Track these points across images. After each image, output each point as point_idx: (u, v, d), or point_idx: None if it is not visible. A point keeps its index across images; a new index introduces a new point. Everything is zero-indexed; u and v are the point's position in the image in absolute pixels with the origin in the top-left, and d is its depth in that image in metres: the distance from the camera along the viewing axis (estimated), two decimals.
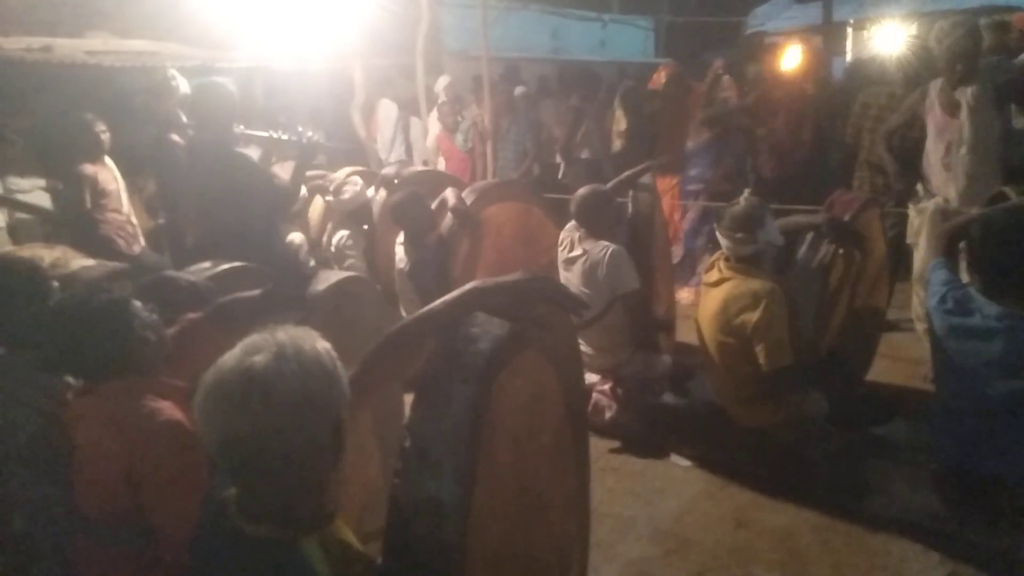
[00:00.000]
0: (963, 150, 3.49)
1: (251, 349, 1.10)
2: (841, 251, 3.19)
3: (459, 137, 6.41)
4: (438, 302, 1.38)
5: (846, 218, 3.18)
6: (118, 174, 4.45)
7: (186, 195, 3.70)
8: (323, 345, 1.15)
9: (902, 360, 3.97)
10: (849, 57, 11.36)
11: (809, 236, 3.26)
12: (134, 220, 4.53)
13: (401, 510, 1.21)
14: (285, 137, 3.71)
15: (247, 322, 1.19)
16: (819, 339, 3.18)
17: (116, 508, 1.63)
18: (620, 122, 6.17)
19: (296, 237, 4.89)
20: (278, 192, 3.56)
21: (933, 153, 3.68)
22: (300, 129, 3.61)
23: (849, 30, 12.43)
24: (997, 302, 2.31)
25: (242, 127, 3.66)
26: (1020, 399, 2.28)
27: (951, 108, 3.58)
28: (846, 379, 3.29)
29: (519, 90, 6.74)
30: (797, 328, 3.15)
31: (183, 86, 4.30)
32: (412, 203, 3.91)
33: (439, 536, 1.19)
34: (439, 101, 6.41)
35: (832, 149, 5.60)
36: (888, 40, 8.43)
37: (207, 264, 2.46)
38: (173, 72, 4.43)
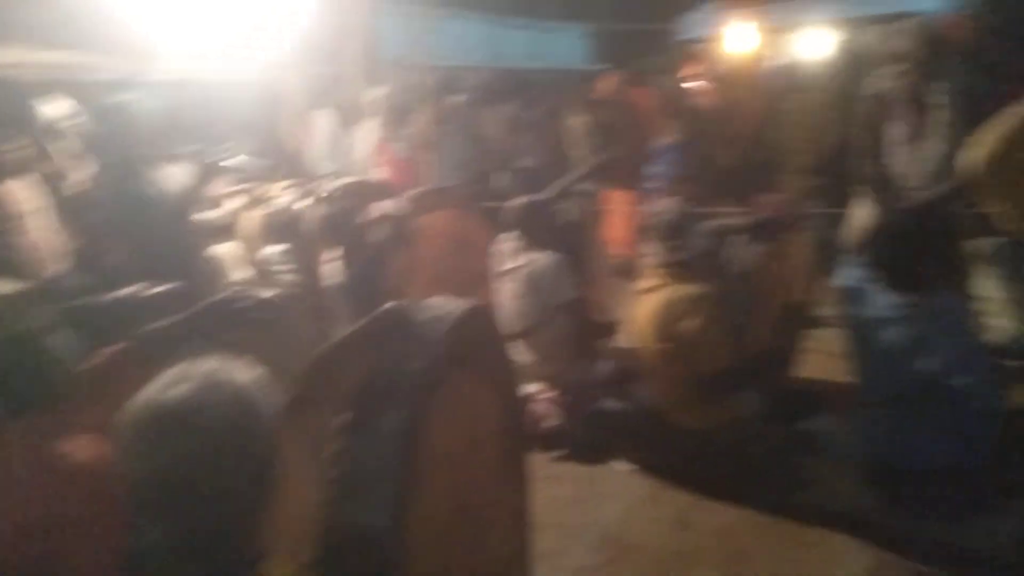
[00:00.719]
0: (938, 145, 3.55)
1: (171, 381, 1.06)
2: (768, 251, 3.29)
3: (396, 146, 6.35)
4: (363, 321, 1.36)
5: (772, 219, 3.28)
6: (40, 192, 4.23)
7: (97, 219, 3.56)
8: (250, 374, 1.12)
9: (830, 355, 4.09)
10: (776, 61, 11.69)
11: (737, 238, 3.35)
12: (56, 241, 4.32)
13: (331, 541, 1.18)
14: (197, 150, 3.63)
15: (172, 350, 1.15)
16: (751, 338, 3.26)
17: (23, 557, 1.53)
18: (574, 131, 6.20)
19: (225, 249, 4.75)
20: (181, 207, 3.49)
21: (900, 152, 3.68)
22: (220, 146, 3.54)
23: (776, 35, 12.80)
24: (897, 293, 2.51)
25: (159, 145, 3.56)
26: (925, 384, 2.42)
27: (921, 106, 3.69)
28: (778, 377, 3.38)
29: (458, 98, 6.72)
30: (730, 329, 3.23)
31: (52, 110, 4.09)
32: (344, 215, 3.86)
33: (373, 566, 1.17)
34: (378, 110, 6.34)
35: (766, 152, 5.77)
36: (812, 45, 8.73)
37: (140, 285, 2.35)
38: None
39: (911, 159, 3.64)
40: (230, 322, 1.91)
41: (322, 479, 1.30)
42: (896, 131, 3.67)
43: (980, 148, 1.69)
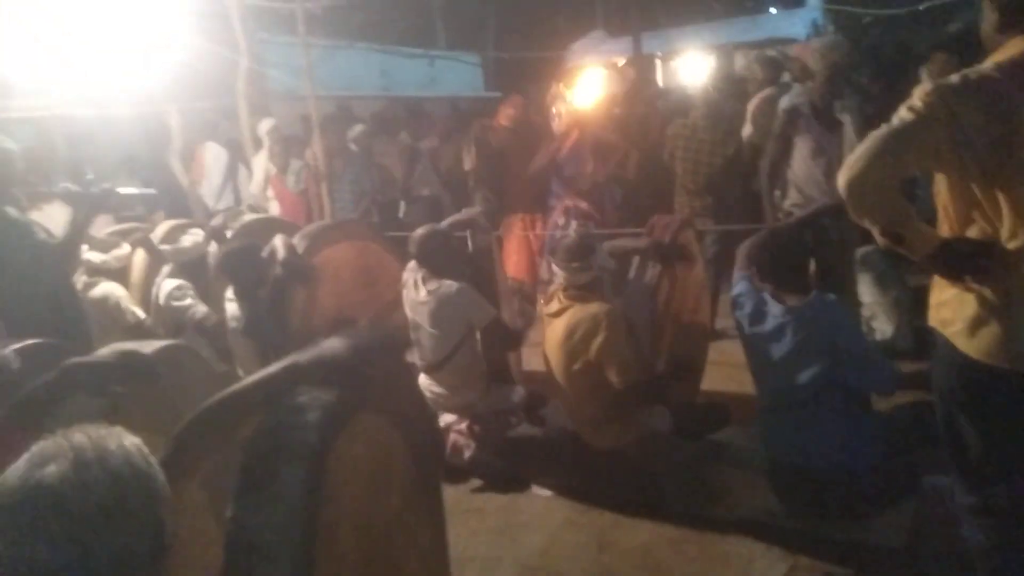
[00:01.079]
0: (833, 161, 3.69)
1: (39, 459, 0.94)
2: (666, 270, 3.39)
3: (290, 178, 6.17)
4: (253, 377, 1.28)
5: (666, 239, 3.38)
6: None
7: None
8: (131, 441, 1.01)
9: (733, 366, 4.25)
10: (660, 83, 12.26)
11: (636, 259, 3.44)
12: None
13: None
14: (75, 188, 3.34)
15: (47, 415, 1.03)
16: (655, 355, 3.34)
17: None
18: (467, 160, 6.21)
19: (115, 289, 4.45)
20: (51, 253, 3.22)
21: (810, 168, 3.87)
22: (89, 177, 3.29)
23: (658, 62, 13.46)
24: (780, 302, 2.67)
25: (28, 185, 3.29)
26: (819, 386, 2.54)
27: (830, 124, 3.85)
28: (684, 391, 3.47)
29: (357, 128, 6.61)
30: (635, 346, 3.30)
31: None
32: (241, 254, 3.70)
33: None
34: (266, 143, 6.16)
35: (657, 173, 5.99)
36: (691, 70, 9.21)
37: None
38: None
39: (812, 173, 3.88)
40: (112, 380, 1.77)
41: (221, 545, 1.20)
42: (803, 147, 3.90)
43: (844, 170, 1.81)
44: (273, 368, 1.29)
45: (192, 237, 4.49)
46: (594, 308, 3.04)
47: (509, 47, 14.83)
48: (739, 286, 2.85)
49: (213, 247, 4.42)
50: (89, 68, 5.07)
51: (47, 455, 0.95)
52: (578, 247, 3.10)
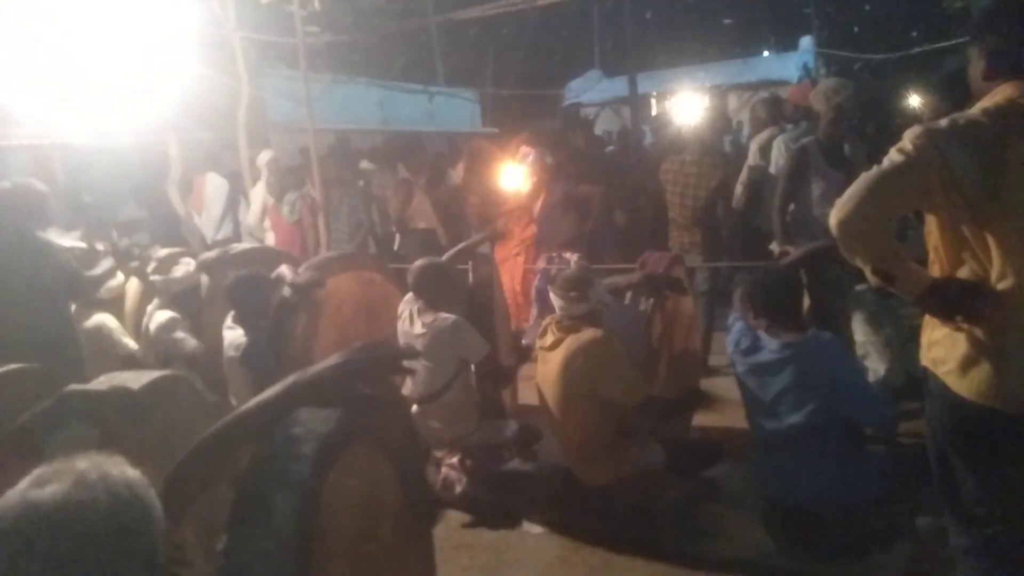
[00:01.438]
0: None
1: (39, 481, 0.95)
2: (658, 305, 3.41)
3: (285, 209, 6.21)
4: (251, 403, 1.28)
5: (659, 271, 3.41)
6: None
7: None
8: (133, 473, 1.02)
9: (725, 402, 4.25)
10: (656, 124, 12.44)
11: (628, 294, 3.45)
12: None
13: None
14: (100, 247, 3.50)
15: (43, 442, 1.03)
16: (648, 390, 3.33)
17: None
18: (457, 174, 6.29)
19: (107, 320, 4.44)
20: (75, 284, 3.31)
21: (816, 207, 3.92)
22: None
23: (653, 100, 13.68)
24: (777, 337, 2.67)
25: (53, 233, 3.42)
26: (815, 423, 2.54)
27: (838, 163, 3.90)
28: (677, 427, 3.46)
29: (364, 164, 6.67)
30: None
31: None
32: (247, 283, 3.70)
33: None
34: (264, 174, 6.21)
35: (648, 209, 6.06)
36: (685, 109, 9.38)
37: None
38: None
39: (822, 212, 3.92)
40: (106, 410, 1.76)
41: (210, 568, 1.19)
42: (813, 186, 3.96)
43: (836, 210, 1.85)
44: (273, 390, 1.29)
45: (183, 267, 4.50)
46: (587, 333, 3.06)
47: (507, 84, 15.07)
48: (735, 326, 2.87)
49: (205, 279, 4.42)
50: (89, 98, 5.12)
51: (47, 477, 0.96)
52: (576, 278, 3.13)
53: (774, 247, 3.59)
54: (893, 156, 1.83)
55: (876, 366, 4.37)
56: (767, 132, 5.16)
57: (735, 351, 2.79)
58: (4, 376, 2.18)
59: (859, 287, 4.37)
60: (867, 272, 1.90)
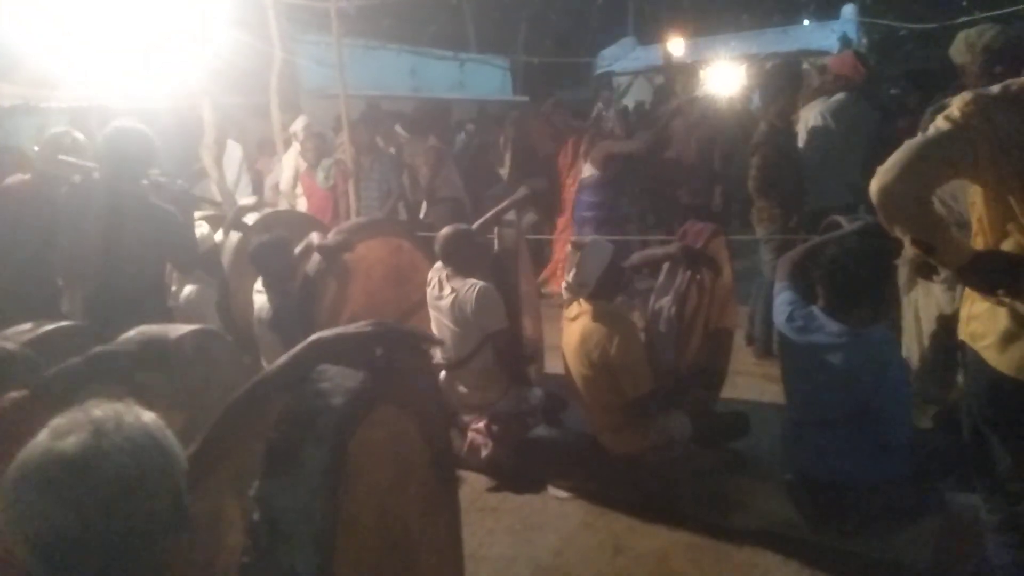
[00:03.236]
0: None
1: (60, 431, 0.97)
2: (696, 277, 3.36)
3: (320, 174, 6.24)
4: (282, 358, 1.30)
5: (698, 246, 3.36)
6: None
7: (71, 246, 3.24)
8: (148, 416, 1.05)
9: (753, 375, 4.23)
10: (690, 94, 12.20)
11: (666, 266, 3.41)
12: None
13: None
14: (163, 180, 3.43)
15: (80, 394, 1.06)
16: (679, 363, 3.31)
17: None
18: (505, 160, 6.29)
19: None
20: (187, 249, 3.33)
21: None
22: (156, 172, 3.35)
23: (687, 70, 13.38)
24: (838, 320, 2.53)
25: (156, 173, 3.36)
26: (859, 409, 2.49)
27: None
28: (705, 399, 3.44)
29: (382, 127, 6.66)
30: (657, 354, 3.28)
31: None
32: (275, 246, 3.74)
33: None
34: (300, 139, 6.23)
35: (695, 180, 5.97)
36: (720, 79, 9.16)
37: (27, 326, 2.18)
38: None
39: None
40: (138, 364, 1.80)
41: (245, 524, 1.22)
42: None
43: (877, 177, 1.80)
44: (300, 347, 1.32)
45: (199, 230, 4.54)
46: (606, 315, 3.04)
47: (539, 52, 14.89)
48: (784, 295, 2.73)
49: (232, 237, 4.47)
50: (125, 61, 5.16)
51: (66, 428, 0.98)
52: (606, 251, 3.11)
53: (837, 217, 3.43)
54: (939, 124, 1.78)
55: (910, 344, 4.29)
56: (840, 97, 4.90)
57: (786, 324, 2.66)
58: (53, 333, 2.23)
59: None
60: (906, 242, 1.85)
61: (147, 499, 0.98)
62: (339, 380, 1.27)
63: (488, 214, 4.04)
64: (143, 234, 3.11)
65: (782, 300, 2.73)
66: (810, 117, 4.68)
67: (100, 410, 1.00)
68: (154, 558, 1.00)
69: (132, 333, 2.02)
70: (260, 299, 3.76)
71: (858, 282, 2.52)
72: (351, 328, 1.38)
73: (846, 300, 2.55)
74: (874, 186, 1.79)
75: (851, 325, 2.51)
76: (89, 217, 3.10)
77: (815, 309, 2.61)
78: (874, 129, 4.61)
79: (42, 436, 0.97)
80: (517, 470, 3.38)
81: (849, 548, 2.57)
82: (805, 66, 6.91)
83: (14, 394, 1.64)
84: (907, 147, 1.77)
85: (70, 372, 1.70)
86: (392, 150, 6.60)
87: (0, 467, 1.51)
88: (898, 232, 1.84)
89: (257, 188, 6.62)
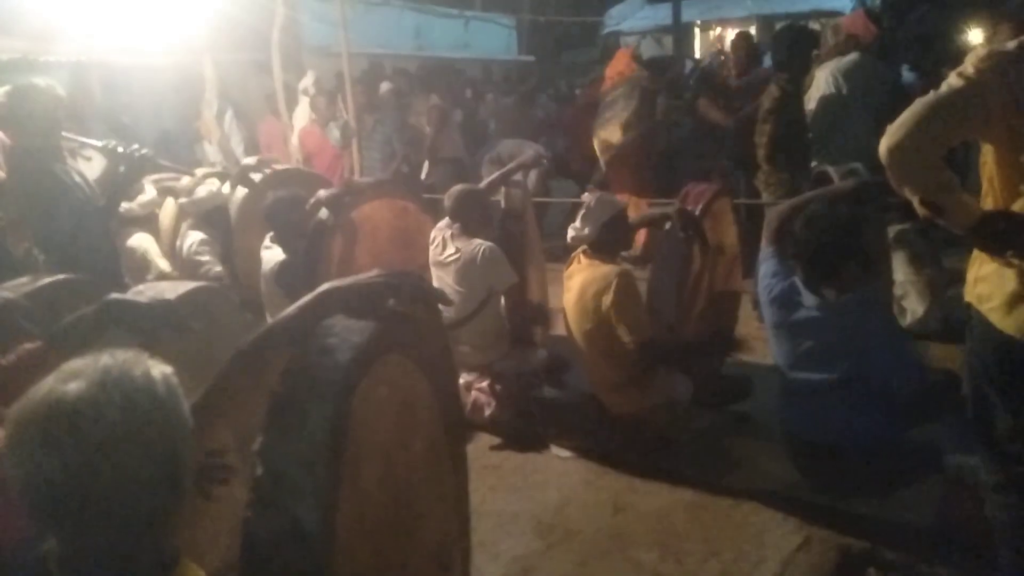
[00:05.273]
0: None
1: (66, 376, 0.95)
2: (697, 238, 3.34)
3: (334, 132, 6.18)
4: (289, 309, 1.30)
5: (698, 209, 3.33)
6: None
7: (7, 207, 3.28)
8: (159, 370, 1.02)
9: (755, 338, 4.23)
10: (697, 55, 12.01)
11: (668, 226, 3.39)
12: None
13: (257, 541, 1.12)
14: (120, 149, 3.34)
15: (91, 345, 1.05)
16: (682, 325, 3.31)
17: None
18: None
19: (143, 241, 4.52)
20: (93, 213, 3.23)
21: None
22: (135, 147, 3.27)
23: (696, 31, 13.16)
24: (815, 293, 2.52)
25: (71, 135, 3.29)
26: (844, 380, 2.48)
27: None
28: (708, 361, 3.45)
29: (385, 86, 6.59)
30: (658, 313, 3.27)
31: None
32: (289, 202, 3.73)
33: (301, 567, 1.10)
34: (309, 96, 6.16)
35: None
36: (730, 40, 9.00)
37: (24, 279, 2.18)
38: None
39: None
40: (144, 316, 1.80)
41: (249, 477, 1.23)
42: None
43: (887, 135, 1.76)
44: (307, 298, 1.31)
45: (207, 187, 4.53)
46: (604, 268, 3.04)
47: (545, 11, 14.60)
48: (768, 264, 2.70)
49: (239, 194, 4.45)
50: (127, 15, 5.08)
51: (72, 373, 0.96)
52: (607, 209, 3.09)
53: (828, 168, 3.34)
54: (952, 81, 1.74)
55: (914, 307, 4.29)
56: (843, 58, 4.80)
57: (766, 300, 2.64)
58: (51, 286, 2.24)
59: (901, 226, 4.24)
60: (915, 203, 1.83)
61: (141, 456, 0.95)
62: (345, 335, 1.27)
63: (495, 174, 4.01)
64: (52, 194, 3.03)
65: (765, 271, 2.70)
66: (821, 79, 4.61)
67: (110, 358, 0.98)
68: (147, 516, 0.98)
69: (140, 288, 2.02)
70: (268, 255, 3.76)
71: (828, 256, 2.48)
72: (363, 278, 1.36)
73: (819, 274, 2.52)
74: (883, 145, 1.76)
75: (826, 297, 2.50)
76: (17, 181, 3.07)
77: (796, 280, 2.58)
78: (887, 91, 4.53)
79: (49, 378, 0.96)
80: (520, 429, 3.41)
81: (845, 507, 2.59)
82: (817, 27, 6.78)
83: (29, 345, 1.64)
84: (918, 105, 1.74)
85: (85, 321, 1.69)
86: (396, 112, 6.53)
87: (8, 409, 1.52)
88: (907, 192, 1.81)
89: (251, 147, 6.56)
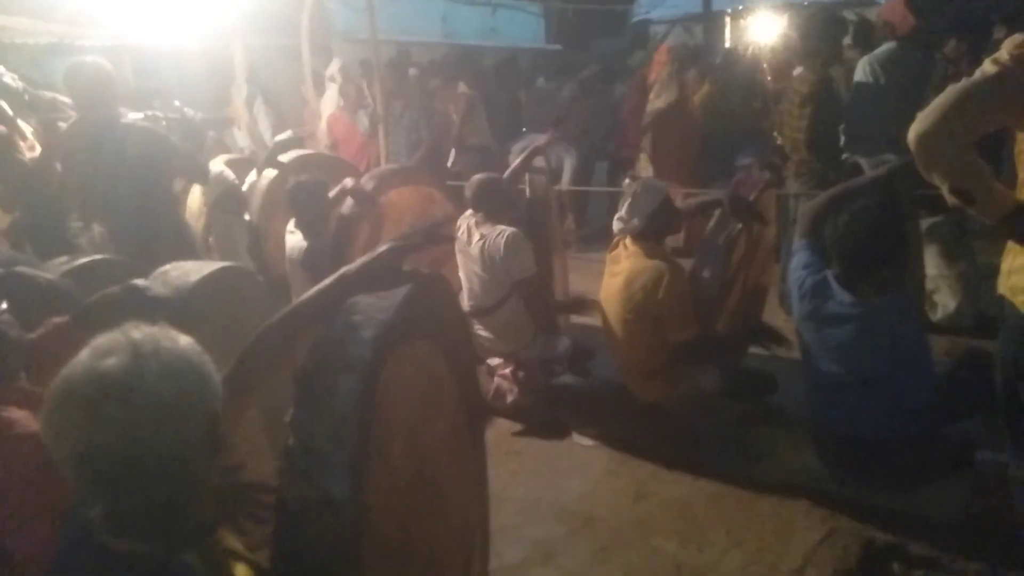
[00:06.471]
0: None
1: (102, 351, 0.99)
2: (745, 229, 3.29)
3: (364, 120, 6.21)
4: (311, 290, 1.33)
5: (752, 195, 3.29)
6: None
7: (76, 180, 3.37)
8: (185, 340, 1.06)
9: (786, 331, 4.17)
10: (728, 44, 11.85)
11: (716, 214, 3.34)
12: None
13: (288, 511, 1.14)
14: (163, 117, 3.47)
15: (116, 323, 1.09)
16: (718, 316, 3.28)
17: None
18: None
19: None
20: (187, 165, 3.40)
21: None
22: (178, 104, 3.38)
23: (727, 19, 12.96)
24: (850, 289, 2.45)
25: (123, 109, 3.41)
26: (874, 375, 2.44)
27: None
28: (736, 355, 3.42)
29: (412, 72, 6.59)
30: (701, 303, 3.24)
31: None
32: (311, 188, 3.76)
33: (332, 534, 1.12)
34: (336, 83, 6.19)
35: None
36: (761, 29, 8.86)
37: (63, 259, 2.24)
38: None
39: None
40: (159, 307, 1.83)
41: (277, 449, 1.25)
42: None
43: (917, 123, 1.73)
44: (329, 279, 1.34)
45: (214, 172, 4.57)
46: (654, 261, 3.00)
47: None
48: (801, 255, 2.63)
49: (265, 178, 4.49)
50: (160, 0, 5.14)
51: (108, 348, 1.00)
52: (651, 198, 3.05)
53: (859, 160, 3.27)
54: (986, 67, 1.70)
55: (946, 301, 4.21)
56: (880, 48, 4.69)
57: (796, 294, 2.58)
58: (89, 266, 2.29)
59: (933, 219, 4.16)
60: (945, 191, 1.79)
61: (184, 421, 1.00)
62: (370, 312, 1.28)
63: (515, 162, 4.01)
64: (140, 154, 3.21)
65: (797, 263, 2.64)
66: (856, 67, 4.52)
67: (139, 332, 1.02)
68: (190, 480, 1.02)
69: (167, 267, 2.06)
70: (292, 239, 3.80)
71: (869, 255, 2.42)
72: (371, 254, 1.41)
73: (857, 271, 2.45)
74: (912, 132, 1.73)
75: (863, 296, 2.44)
76: (86, 154, 3.21)
77: (828, 275, 2.52)
78: (923, 81, 4.43)
79: (84, 355, 0.99)
80: (542, 416, 3.42)
81: (874, 502, 2.57)
82: (852, 16, 6.65)
83: (56, 319, 1.69)
84: (950, 91, 1.70)
85: (109, 300, 1.74)
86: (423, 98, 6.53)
87: (37, 383, 1.57)
88: (936, 180, 1.78)
89: (279, 132, 6.63)
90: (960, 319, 4.13)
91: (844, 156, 4.25)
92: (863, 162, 3.15)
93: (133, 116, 3.60)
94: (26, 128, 3.85)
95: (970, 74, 1.74)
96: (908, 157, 1.88)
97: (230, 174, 4.57)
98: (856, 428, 2.52)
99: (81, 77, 3.22)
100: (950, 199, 1.79)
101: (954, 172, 1.73)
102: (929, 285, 4.22)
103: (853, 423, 2.52)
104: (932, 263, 4.23)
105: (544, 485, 2.95)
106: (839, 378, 2.53)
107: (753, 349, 3.72)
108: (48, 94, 3.89)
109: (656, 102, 5.99)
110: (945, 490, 2.50)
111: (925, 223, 4.13)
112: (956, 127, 1.68)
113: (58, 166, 3.41)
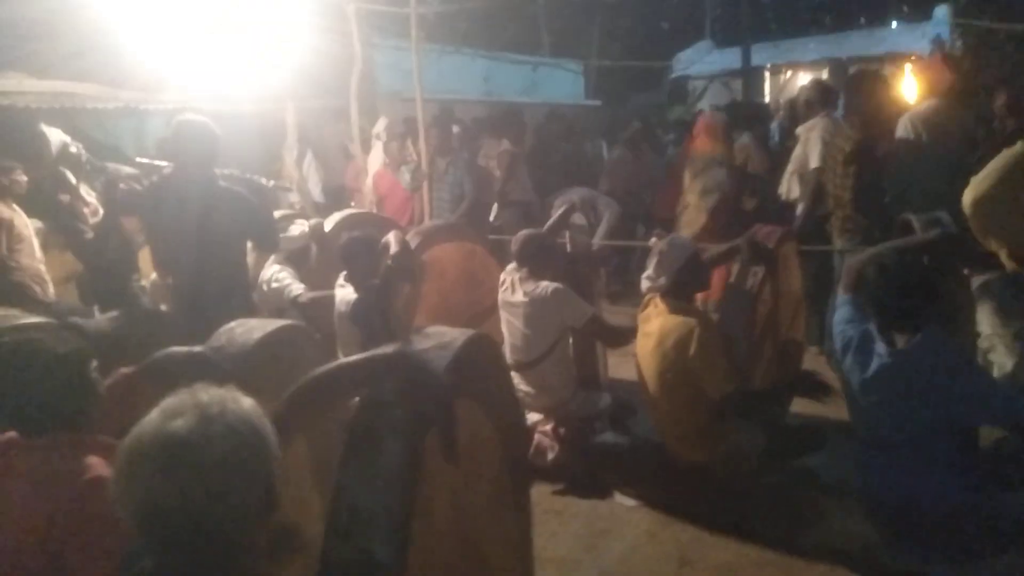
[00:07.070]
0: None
1: (171, 412, 1.05)
2: (768, 277, 3.28)
3: (406, 176, 6.38)
4: (360, 355, 1.37)
5: (772, 242, 3.29)
6: (28, 220, 4.26)
7: (161, 238, 3.48)
8: (248, 403, 1.11)
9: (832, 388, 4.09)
10: (768, 99, 11.92)
11: (738, 264, 3.34)
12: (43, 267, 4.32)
13: (332, 571, 1.15)
14: (268, 183, 3.62)
15: (180, 378, 1.14)
16: (753, 372, 3.24)
17: (29, 571, 1.50)
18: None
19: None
20: (264, 235, 3.52)
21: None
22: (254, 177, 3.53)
23: (767, 74, 13.06)
24: (887, 341, 2.42)
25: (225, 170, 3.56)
26: (924, 433, 2.36)
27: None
28: (775, 412, 3.36)
29: (455, 129, 6.78)
30: (733, 355, 3.21)
31: (55, 138, 4.18)
32: (360, 244, 3.86)
33: None
34: (382, 140, 6.39)
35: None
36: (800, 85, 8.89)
37: (114, 313, 2.33)
38: (41, 128, 4.30)
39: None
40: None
41: (324, 509, 1.28)
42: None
43: (971, 187, 1.72)
44: (366, 355, 1.38)
45: (299, 227, 4.72)
46: (684, 316, 3.00)
47: (612, 55, 14.80)
48: (843, 310, 2.61)
49: (326, 237, 4.62)
50: (220, 66, 5.42)
51: (176, 410, 1.05)
52: (683, 254, 3.08)
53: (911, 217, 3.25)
54: None
55: (1003, 360, 4.05)
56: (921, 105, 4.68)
57: (840, 351, 2.54)
58: (139, 320, 2.38)
59: (986, 276, 4.06)
60: (1002, 256, 1.77)
61: (244, 483, 1.04)
62: (421, 376, 1.31)
63: (553, 218, 4.08)
64: (224, 218, 3.29)
65: (840, 317, 2.61)
66: (898, 125, 4.51)
67: (206, 395, 1.07)
68: (246, 540, 1.06)
69: (233, 324, 2.12)
70: (341, 293, 3.89)
71: (901, 303, 2.40)
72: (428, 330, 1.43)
73: (890, 320, 2.44)
74: (967, 196, 1.73)
75: (896, 344, 2.40)
76: (175, 209, 3.28)
77: (871, 328, 2.49)
78: (967, 138, 4.40)
79: (154, 414, 1.05)
80: (583, 475, 3.38)
81: (928, 573, 2.45)
82: (894, 70, 6.66)
83: (125, 369, 1.77)
84: (1005, 155, 1.70)
85: (175, 359, 1.81)
86: (466, 154, 6.70)
87: (106, 429, 1.63)
88: (993, 245, 1.76)
89: (328, 190, 6.83)
90: (1018, 379, 3.98)
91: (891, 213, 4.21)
92: (914, 219, 3.10)
93: (228, 172, 3.71)
94: (88, 195, 4.05)
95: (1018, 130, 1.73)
96: (961, 224, 1.86)
97: (309, 235, 4.71)
98: (907, 492, 2.43)
99: (188, 133, 3.33)
100: (1008, 263, 1.77)
101: (1012, 236, 1.71)
102: (984, 344, 4.09)
103: (905, 487, 2.43)
104: (986, 321, 4.09)
105: (585, 547, 2.90)
106: (886, 436, 2.46)
107: (797, 407, 3.65)
108: (112, 165, 4.08)
109: (689, 196, 5.68)
110: (1007, 565, 2.38)
111: (977, 280, 4.03)
112: (1012, 190, 1.67)
113: (124, 222, 3.53)
